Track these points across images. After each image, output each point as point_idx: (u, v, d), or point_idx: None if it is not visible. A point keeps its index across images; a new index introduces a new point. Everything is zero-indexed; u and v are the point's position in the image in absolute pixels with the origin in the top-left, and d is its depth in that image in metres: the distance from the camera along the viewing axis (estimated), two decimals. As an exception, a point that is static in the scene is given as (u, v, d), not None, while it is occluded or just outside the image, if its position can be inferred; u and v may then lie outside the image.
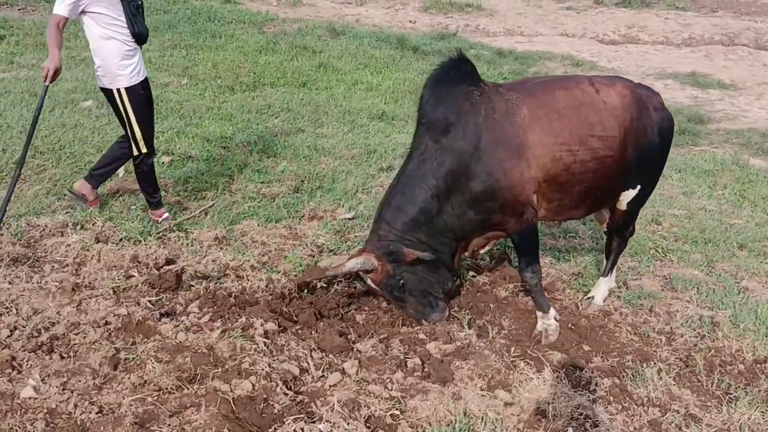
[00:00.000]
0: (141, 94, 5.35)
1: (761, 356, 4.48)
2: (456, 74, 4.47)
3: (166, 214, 5.73)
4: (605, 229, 5.15)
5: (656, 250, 5.87)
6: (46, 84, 5.13)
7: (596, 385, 4.12)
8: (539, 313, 4.63)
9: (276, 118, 8.48)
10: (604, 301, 4.99)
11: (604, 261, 5.14)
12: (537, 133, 4.33)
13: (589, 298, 5.01)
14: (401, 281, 4.49)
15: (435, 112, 4.41)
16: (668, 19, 15.73)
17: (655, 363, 4.32)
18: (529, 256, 4.58)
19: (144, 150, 5.48)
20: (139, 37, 5.23)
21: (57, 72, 5.06)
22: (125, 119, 5.39)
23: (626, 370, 4.27)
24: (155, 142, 5.76)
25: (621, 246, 5.04)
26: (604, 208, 5.00)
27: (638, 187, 4.74)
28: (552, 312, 4.63)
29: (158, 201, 5.73)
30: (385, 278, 4.47)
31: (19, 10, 12.19)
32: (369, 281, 4.54)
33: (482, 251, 4.92)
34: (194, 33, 11.41)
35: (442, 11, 16.27)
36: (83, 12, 5.04)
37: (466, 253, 4.80)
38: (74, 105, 7.98)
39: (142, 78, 5.37)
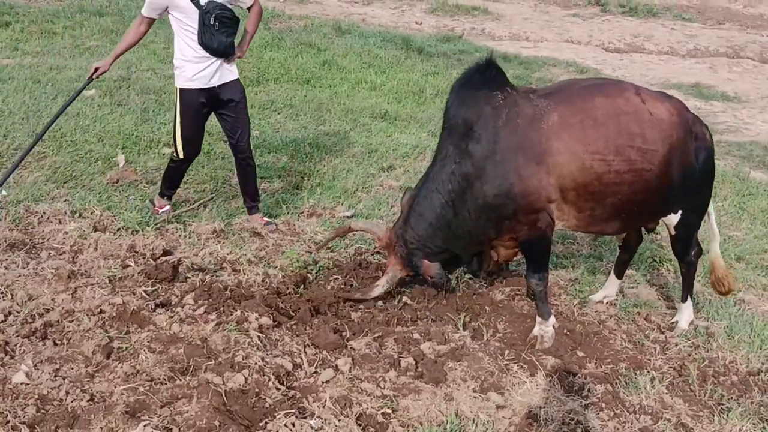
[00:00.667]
0: (195, 101, 5.35)
1: (755, 368, 4.48)
2: (480, 78, 4.43)
3: (167, 208, 5.72)
4: (620, 243, 5.12)
5: (654, 259, 5.86)
6: (87, 78, 5.50)
7: (589, 391, 4.12)
8: (539, 319, 4.62)
9: (278, 114, 8.48)
10: (688, 325, 4.90)
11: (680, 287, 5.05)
12: (564, 140, 4.24)
13: (674, 322, 4.93)
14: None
15: (456, 115, 4.40)
16: (674, 29, 15.74)
17: (648, 371, 4.31)
18: (537, 264, 4.55)
19: (180, 155, 5.50)
20: (206, 47, 5.20)
21: (96, 70, 5.41)
22: (173, 117, 5.48)
23: (619, 377, 4.27)
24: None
25: (689, 270, 4.90)
26: (642, 226, 4.92)
27: (680, 212, 4.62)
28: (552, 320, 4.61)
29: (168, 196, 5.75)
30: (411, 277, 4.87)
31: (25, -3, 12.19)
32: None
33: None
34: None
35: (449, 14, 16.28)
36: (168, 12, 5.21)
37: (493, 262, 4.79)
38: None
39: (205, 87, 5.32)
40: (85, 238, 5.11)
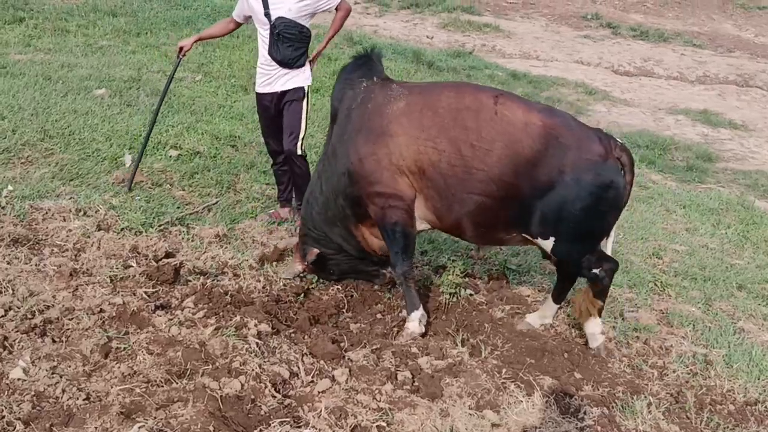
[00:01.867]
0: (261, 104, 5.84)
1: (752, 398, 4.46)
2: (353, 67, 4.84)
3: (285, 214, 6.04)
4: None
5: (655, 284, 5.85)
6: (177, 58, 6.14)
7: (585, 413, 4.11)
8: (404, 313, 4.76)
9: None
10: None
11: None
12: (403, 124, 4.41)
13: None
14: (331, 270, 5.05)
15: (332, 99, 4.85)
16: (684, 55, 15.77)
17: (645, 396, 4.30)
18: (396, 252, 4.63)
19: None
20: (273, 58, 5.62)
21: (181, 49, 5.98)
22: None
23: (616, 400, 4.25)
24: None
25: (594, 284, 4.54)
26: (497, 242, 4.78)
27: (551, 239, 4.31)
28: (416, 314, 4.66)
29: (283, 198, 6.12)
30: (314, 271, 5.08)
31: (40, -7, 12.25)
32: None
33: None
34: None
35: (460, 29, 16.32)
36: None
37: (371, 251, 4.92)
38: (87, 92, 8.00)
39: (267, 92, 5.75)
40: (89, 237, 5.11)
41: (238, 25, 5.92)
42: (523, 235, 4.46)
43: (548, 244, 4.37)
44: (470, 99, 4.38)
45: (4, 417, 3.37)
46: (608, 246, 4.56)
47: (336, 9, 5.71)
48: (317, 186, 4.88)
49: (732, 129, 11.70)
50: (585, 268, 4.48)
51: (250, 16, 5.67)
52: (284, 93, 5.73)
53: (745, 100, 13.54)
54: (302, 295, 4.92)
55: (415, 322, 4.64)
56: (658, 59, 15.33)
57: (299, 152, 5.78)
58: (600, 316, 4.67)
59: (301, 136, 5.78)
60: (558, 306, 4.88)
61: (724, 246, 6.93)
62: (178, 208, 5.86)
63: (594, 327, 4.69)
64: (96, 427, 3.39)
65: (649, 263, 6.24)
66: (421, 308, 4.71)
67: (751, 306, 5.72)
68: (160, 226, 5.48)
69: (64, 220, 5.33)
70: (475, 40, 15.52)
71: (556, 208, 4.21)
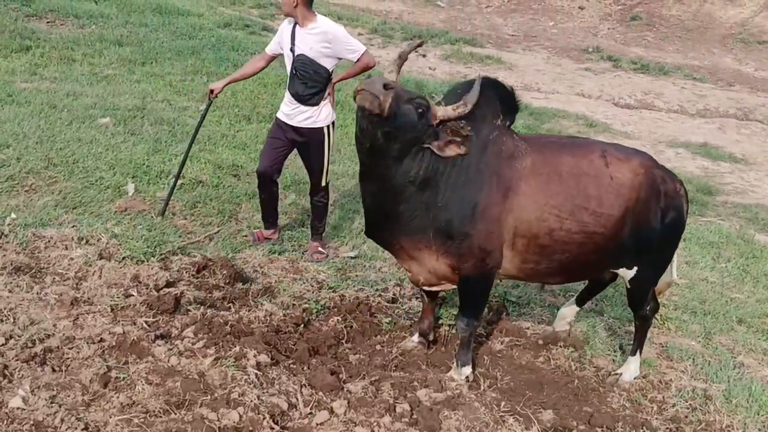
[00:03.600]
0: (277, 130, 5.97)
1: (752, 434, 4.45)
2: (504, 93, 4.43)
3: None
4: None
5: (655, 317, 5.85)
6: (207, 100, 6.25)
7: (584, 448, 4.10)
8: (455, 364, 4.59)
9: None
10: (634, 379, 4.89)
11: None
12: (531, 185, 4.29)
13: (617, 374, 4.90)
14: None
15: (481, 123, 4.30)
16: (684, 88, 15.87)
17: (644, 431, 4.29)
18: (472, 306, 4.54)
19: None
20: (290, 91, 5.81)
21: (212, 91, 6.11)
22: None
23: (615, 435, 4.25)
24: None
25: (643, 325, 4.91)
26: (585, 280, 4.98)
27: (635, 269, 4.60)
28: (466, 371, 4.56)
29: (268, 222, 6.19)
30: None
31: (47, 23, 12.38)
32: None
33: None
34: (217, 60, 11.56)
35: (462, 61, 16.47)
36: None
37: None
38: (92, 121, 8.07)
39: (287, 122, 5.88)
40: (90, 265, 5.13)
41: (269, 61, 6.02)
42: (611, 270, 4.73)
43: (631, 273, 4.64)
44: (586, 162, 4.41)
45: (2, 446, 3.38)
46: (673, 271, 4.94)
47: (358, 60, 5.81)
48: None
49: (732, 162, 11.75)
50: (647, 303, 4.80)
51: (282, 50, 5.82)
52: (301, 130, 5.86)
53: (745, 133, 13.61)
54: (302, 325, 4.92)
55: (464, 378, 4.54)
56: (659, 92, 15.43)
57: (323, 184, 6.00)
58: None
59: (324, 171, 5.98)
60: (640, 357, 4.95)
61: (724, 279, 6.93)
62: (180, 237, 5.89)
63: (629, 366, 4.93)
64: (94, 458, 3.39)
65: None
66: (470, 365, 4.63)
67: (751, 340, 5.72)
68: (161, 255, 5.50)
69: (66, 248, 5.35)
70: (477, 71, 15.65)
71: (646, 242, 4.48)
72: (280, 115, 5.95)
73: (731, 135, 13.40)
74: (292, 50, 5.69)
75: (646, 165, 4.52)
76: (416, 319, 5.10)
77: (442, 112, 4.15)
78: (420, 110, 4.05)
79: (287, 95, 5.85)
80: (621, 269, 4.65)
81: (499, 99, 4.40)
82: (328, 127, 5.89)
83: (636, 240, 4.45)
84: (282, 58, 5.94)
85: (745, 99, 15.48)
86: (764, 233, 8.58)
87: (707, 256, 7.45)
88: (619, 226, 4.37)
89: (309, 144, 5.91)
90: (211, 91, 6.10)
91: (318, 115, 5.82)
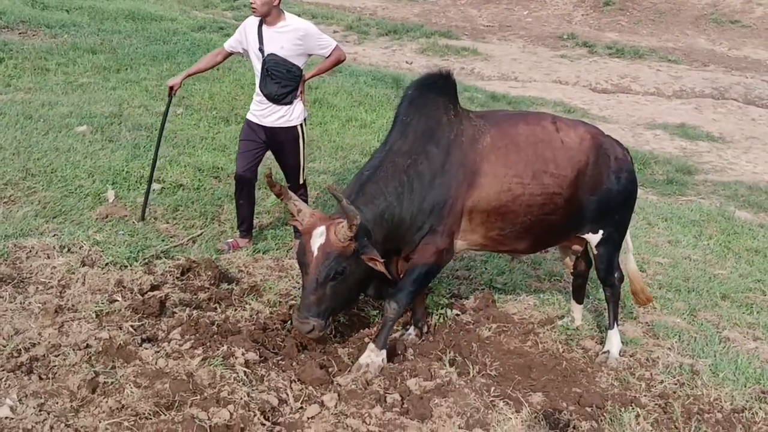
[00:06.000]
0: (250, 132, 5.91)
1: (739, 406, 4.50)
2: (443, 86, 4.67)
3: (243, 244, 6.05)
4: (571, 271, 5.35)
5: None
6: (168, 98, 6.16)
7: (574, 428, 4.13)
8: (372, 346, 4.48)
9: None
10: (620, 352, 4.97)
11: (606, 313, 5.18)
12: (492, 162, 4.49)
13: (605, 352, 4.97)
14: (342, 271, 4.21)
15: (419, 115, 4.56)
16: (660, 71, 15.99)
17: (633, 408, 4.33)
18: (411, 291, 4.52)
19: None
20: (262, 92, 5.75)
21: (171, 88, 6.03)
22: None
23: (605, 414, 4.28)
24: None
25: (613, 294, 5.05)
26: (553, 246, 5.20)
27: (600, 231, 4.85)
28: (384, 354, 4.50)
29: (243, 230, 6.11)
30: (339, 255, 4.17)
31: (19, 34, 12.29)
32: (317, 245, 4.19)
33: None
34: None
35: (439, 54, 16.50)
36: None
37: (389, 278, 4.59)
38: (68, 129, 8.02)
39: (260, 123, 5.84)
40: (73, 273, 5.10)
41: (227, 56, 6.00)
42: (577, 235, 4.90)
43: (597, 237, 4.87)
44: (539, 129, 4.69)
45: (-9, 456, 3.36)
46: (628, 240, 5.17)
47: (329, 55, 5.80)
48: (395, 196, 4.42)
49: (710, 141, 11.86)
50: (614, 270, 5.00)
51: (244, 50, 5.78)
52: (274, 130, 5.83)
53: (722, 112, 13.74)
54: (289, 322, 4.92)
55: (380, 360, 4.46)
56: (635, 76, 15.55)
57: (301, 182, 5.99)
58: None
59: (301, 168, 5.97)
60: (617, 328, 5.09)
61: (706, 257, 7.00)
62: (163, 240, 5.87)
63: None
64: (85, 463, 3.38)
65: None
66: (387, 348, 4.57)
67: (735, 315, 5.78)
68: (145, 259, 5.48)
69: (48, 257, 5.31)
70: (453, 63, 15.69)
71: (605, 204, 4.76)
72: (250, 116, 5.91)
73: (708, 114, 13.53)
74: (261, 50, 5.62)
75: (592, 132, 4.84)
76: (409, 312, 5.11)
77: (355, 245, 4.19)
78: (341, 268, 4.20)
79: (258, 96, 5.81)
80: (587, 234, 4.86)
81: (442, 94, 4.64)
82: (301, 124, 5.88)
83: (597, 203, 4.73)
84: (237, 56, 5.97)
85: (720, 78, 15.62)
86: (744, 209, 8.67)
87: (689, 235, 7.52)
88: (574, 186, 4.64)
89: (284, 143, 5.90)
90: (171, 88, 6.03)
91: (291, 114, 5.81)
